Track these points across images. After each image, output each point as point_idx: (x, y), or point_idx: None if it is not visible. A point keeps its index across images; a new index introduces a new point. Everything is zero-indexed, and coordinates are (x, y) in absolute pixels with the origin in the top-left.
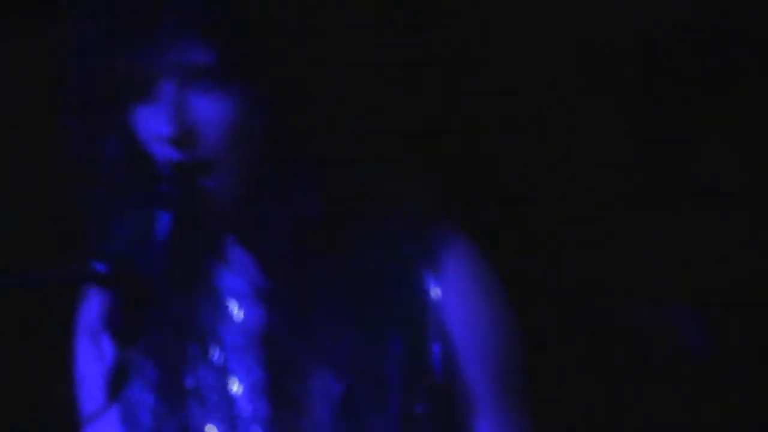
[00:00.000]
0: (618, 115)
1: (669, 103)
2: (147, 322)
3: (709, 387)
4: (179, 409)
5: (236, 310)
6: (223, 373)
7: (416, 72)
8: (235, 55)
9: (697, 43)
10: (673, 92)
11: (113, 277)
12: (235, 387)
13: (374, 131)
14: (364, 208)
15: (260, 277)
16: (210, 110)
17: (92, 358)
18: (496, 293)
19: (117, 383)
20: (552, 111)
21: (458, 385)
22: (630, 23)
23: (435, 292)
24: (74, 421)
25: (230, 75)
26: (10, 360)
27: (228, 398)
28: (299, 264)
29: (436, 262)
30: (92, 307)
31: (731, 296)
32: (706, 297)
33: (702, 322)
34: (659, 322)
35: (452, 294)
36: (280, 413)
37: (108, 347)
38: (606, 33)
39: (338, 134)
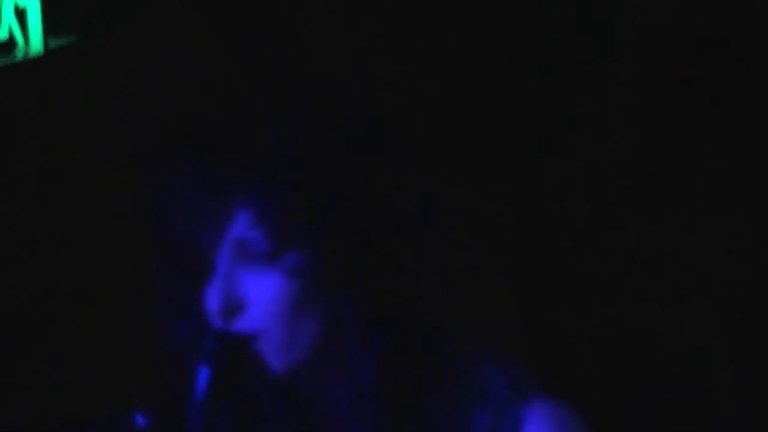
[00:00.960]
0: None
1: (673, 103)
2: None
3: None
4: None
5: None
6: None
7: None
8: (291, 238)
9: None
10: (676, 92)
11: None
12: None
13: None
14: (437, 371)
15: None
16: (261, 284)
17: None
18: None
19: None
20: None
21: None
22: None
23: None
24: None
25: (285, 255)
26: None
27: None
28: None
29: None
30: None
31: (744, 296)
32: (719, 298)
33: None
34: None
35: None
36: None
37: None
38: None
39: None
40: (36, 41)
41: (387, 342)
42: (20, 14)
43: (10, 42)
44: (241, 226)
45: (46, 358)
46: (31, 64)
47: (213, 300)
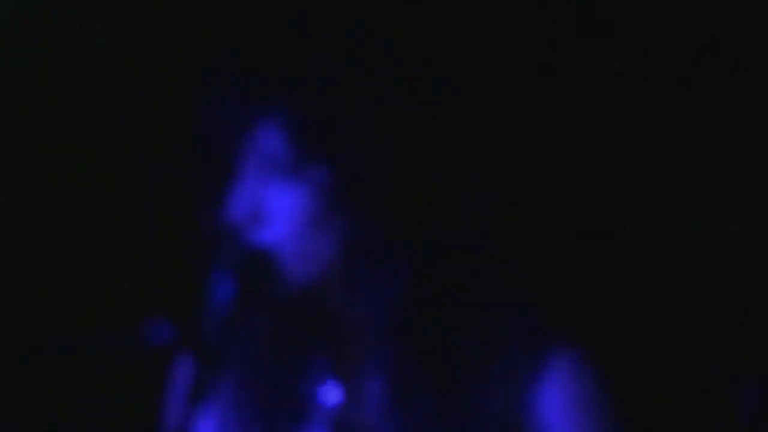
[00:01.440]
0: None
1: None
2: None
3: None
4: None
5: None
6: None
7: None
8: (318, 152)
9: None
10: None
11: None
12: None
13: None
14: (460, 303)
15: (345, 371)
16: (285, 196)
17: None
18: (600, 409)
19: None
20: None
21: None
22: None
23: (536, 406)
24: None
25: (309, 169)
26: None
27: None
28: (385, 362)
29: (541, 374)
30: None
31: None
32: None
33: None
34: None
35: (555, 410)
36: None
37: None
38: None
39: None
40: None
41: (412, 266)
42: None
43: None
44: (269, 135)
45: (70, 264)
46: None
47: (237, 208)
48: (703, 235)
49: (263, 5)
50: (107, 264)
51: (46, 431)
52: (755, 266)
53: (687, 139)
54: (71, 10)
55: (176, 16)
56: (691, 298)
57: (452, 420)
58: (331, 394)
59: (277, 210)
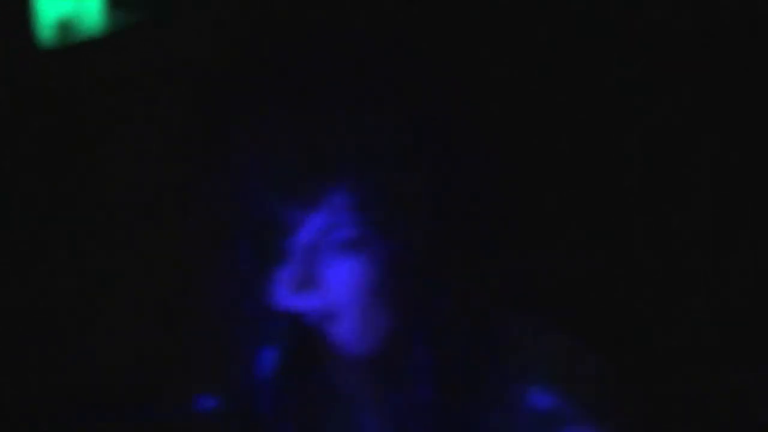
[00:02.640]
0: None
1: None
2: None
3: None
4: None
5: None
6: None
7: None
8: (377, 230)
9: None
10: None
11: (224, 414)
12: None
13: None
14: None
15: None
16: (342, 265)
17: None
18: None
19: None
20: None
21: None
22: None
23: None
24: None
25: (369, 245)
26: None
27: None
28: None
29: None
30: None
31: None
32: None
33: None
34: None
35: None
36: None
37: None
38: None
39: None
40: (96, 18)
41: (450, 349)
42: None
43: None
44: (331, 208)
45: (116, 338)
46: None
47: (287, 277)
48: (703, 234)
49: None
50: (152, 331)
51: None
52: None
53: (688, 137)
54: None
55: None
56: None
57: None
58: None
59: (331, 279)
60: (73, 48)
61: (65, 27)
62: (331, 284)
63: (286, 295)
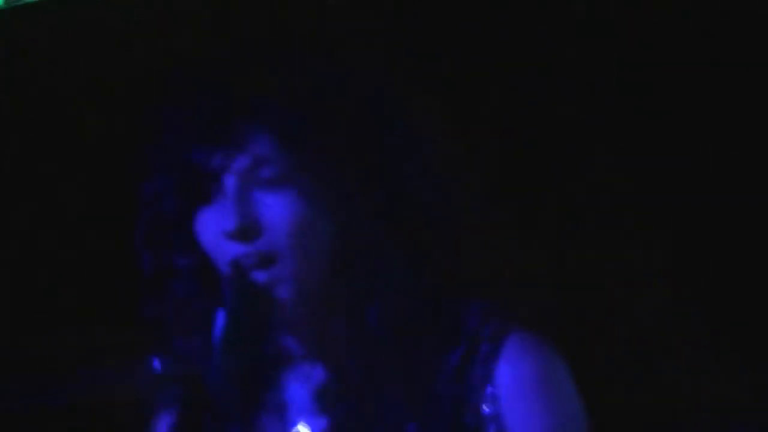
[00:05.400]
0: None
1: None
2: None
3: None
4: None
5: (302, 426)
6: None
7: None
8: (304, 154)
9: None
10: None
11: (173, 376)
12: None
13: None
14: (432, 318)
15: (327, 387)
16: (274, 204)
17: None
18: (560, 391)
19: None
20: None
21: None
22: None
23: (492, 403)
24: None
25: (297, 171)
26: None
27: None
28: (365, 376)
29: (491, 369)
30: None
31: None
32: None
33: None
34: None
35: (511, 400)
36: None
37: None
38: None
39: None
40: None
41: (388, 277)
42: None
43: None
44: (257, 147)
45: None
46: None
47: (226, 221)
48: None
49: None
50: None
51: None
52: None
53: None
54: None
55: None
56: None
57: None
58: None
59: (267, 218)
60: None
61: None
62: (265, 224)
63: (220, 241)
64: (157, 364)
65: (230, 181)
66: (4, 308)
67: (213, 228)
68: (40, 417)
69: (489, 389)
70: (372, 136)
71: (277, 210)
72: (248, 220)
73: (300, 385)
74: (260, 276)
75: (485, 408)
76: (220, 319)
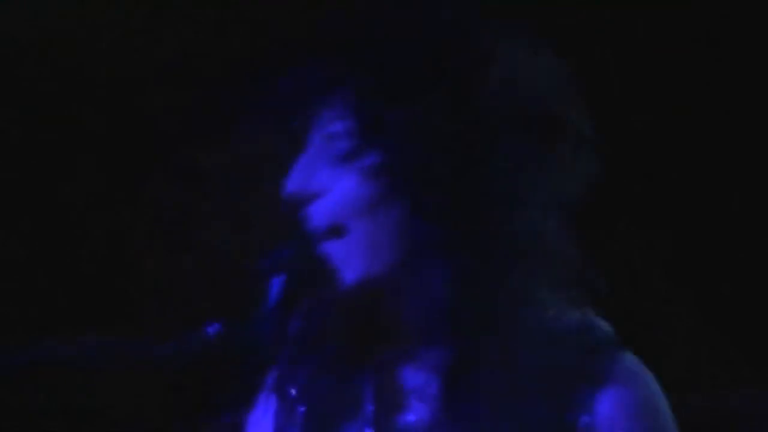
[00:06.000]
0: None
1: None
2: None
3: None
4: None
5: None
6: None
7: None
8: (377, 134)
9: None
10: None
11: (231, 339)
12: None
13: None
14: (511, 308)
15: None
16: (343, 182)
17: None
18: (658, 419)
19: None
20: None
21: None
22: None
23: (589, 417)
24: None
25: (367, 155)
26: None
27: None
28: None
29: (596, 385)
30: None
31: None
32: None
33: None
34: None
35: (610, 421)
36: None
37: None
38: None
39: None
40: None
41: (461, 263)
42: None
43: None
44: (331, 117)
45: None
46: None
47: (290, 185)
48: None
49: None
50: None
51: None
52: None
53: None
54: None
55: None
56: None
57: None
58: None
59: (331, 190)
60: None
61: None
62: (330, 194)
63: (289, 199)
64: (215, 328)
65: (311, 143)
66: None
67: (289, 187)
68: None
69: (585, 419)
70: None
71: (342, 184)
72: (310, 190)
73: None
74: (323, 245)
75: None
76: (277, 282)
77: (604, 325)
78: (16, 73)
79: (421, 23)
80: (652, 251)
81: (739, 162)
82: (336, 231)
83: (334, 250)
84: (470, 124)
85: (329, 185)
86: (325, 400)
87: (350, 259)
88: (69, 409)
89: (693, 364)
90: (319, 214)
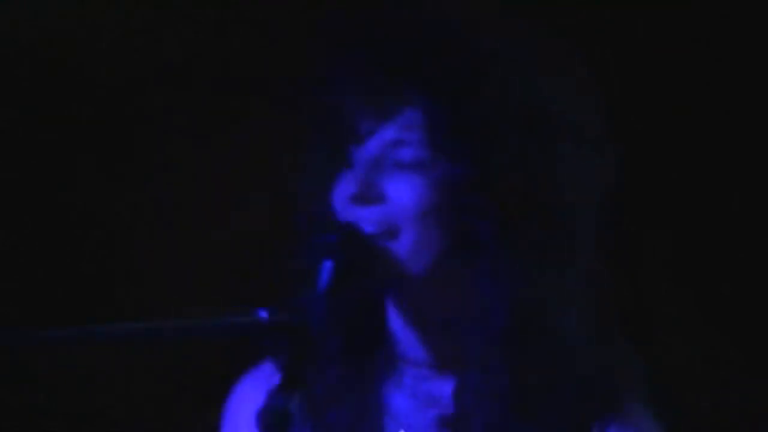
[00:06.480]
0: None
1: None
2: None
3: None
4: None
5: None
6: None
7: None
8: (443, 155)
9: None
10: None
11: (280, 325)
12: None
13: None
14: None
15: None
16: (405, 180)
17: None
18: None
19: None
20: None
21: None
22: None
23: None
24: None
25: (433, 166)
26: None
27: None
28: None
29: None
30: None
31: None
32: None
33: None
34: None
35: None
36: None
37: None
38: None
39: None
40: None
41: (517, 275)
42: None
43: None
44: (400, 125)
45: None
46: None
47: (348, 186)
48: None
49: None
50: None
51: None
52: None
53: None
54: None
55: None
56: None
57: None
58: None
59: (391, 195)
60: None
61: None
62: (390, 200)
63: (346, 204)
64: (263, 313)
65: (371, 148)
66: None
67: (343, 191)
68: None
69: None
70: (542, 144)
71: (404, 188)
72: (373, 187)
73: (406, 391)
74: (375, 243)
75: None
76: (327, 269)
77: (627, 368)
78: (16, 73)
79: (468, 34)
80: (652, 251)
81: (739, 162)
82: (391, 234)
83: (387, 245)
84: (528, 130)
85: (388, 192)
86: (336, 392)
87: (402, 256)
88: (69, 409)
89: (693, 364)
90: (374, 218)
